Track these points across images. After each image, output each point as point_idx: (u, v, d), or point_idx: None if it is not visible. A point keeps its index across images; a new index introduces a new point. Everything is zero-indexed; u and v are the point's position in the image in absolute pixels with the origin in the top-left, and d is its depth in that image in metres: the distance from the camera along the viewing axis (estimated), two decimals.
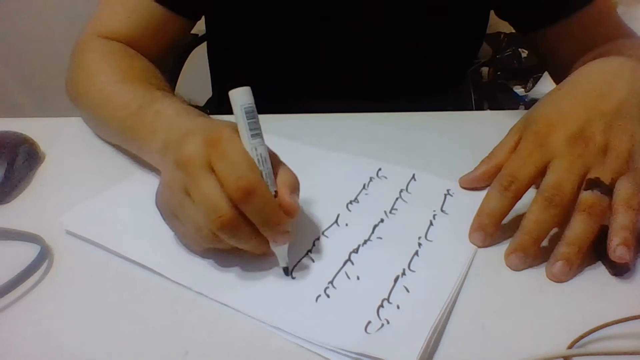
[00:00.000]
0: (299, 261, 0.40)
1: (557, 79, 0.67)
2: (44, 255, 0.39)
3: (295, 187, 0.38)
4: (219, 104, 0.86)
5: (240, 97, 0.37)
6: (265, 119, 0.59)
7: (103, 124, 0.55)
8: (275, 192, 0.37)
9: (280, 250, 0.38)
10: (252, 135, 0.37)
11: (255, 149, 0.37)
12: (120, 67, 0.57)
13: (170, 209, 0.39)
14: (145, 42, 0.62)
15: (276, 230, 0.36)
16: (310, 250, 0.41)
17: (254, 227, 0.36)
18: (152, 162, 0.48)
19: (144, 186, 0.48)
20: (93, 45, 0.61)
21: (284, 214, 0.37)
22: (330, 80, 0.69)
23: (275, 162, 0.39)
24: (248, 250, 0.38)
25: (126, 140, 0.52)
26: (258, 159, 0.36)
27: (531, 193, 0.41)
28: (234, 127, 0.37)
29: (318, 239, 0.42)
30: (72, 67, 0.61)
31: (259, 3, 0.65)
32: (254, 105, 0.37)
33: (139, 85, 0.53)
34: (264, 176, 0.36)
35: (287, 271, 0.39)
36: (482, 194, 0.43)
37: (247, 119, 0.37)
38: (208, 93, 0.93)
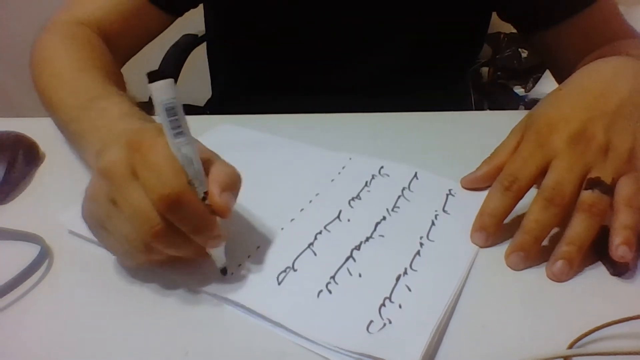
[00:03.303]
0: (301, 253, 0.40)
1: (560, 79, 0.67)
2: (44, 255, 0.39)
3: (228, 184, 0.35)
4: (218, 105, 0.86)
5: (160, 92, 0.32)
6: (266, 119, 0.60)
7: (53, 111, 0.52)
8: (206, 193, 0.34)
9: (216, 252, 0.36)
10: (175, 135, 0.33)
11: (180, 150, 0.33)
12: (79, 55, 0.55)
13: (97, 221, 0.35)
14: (120, 28, 0.62)
15: (206, 236, 0.34)
16: (311, 244, 0.41)
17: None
18: (89, 163, 0.45)
19: None
20: (56, 28, 0.60)
21: (213, 217, 0.34)
22: (331, 80, 0.69)
23: (208, 159, 0.35)
24: (184, 256, 0.36)
25: (70, 133, 0.49)
26: (183, 161, 0.33)
27: (532, 193, 0.41)
28: (161, 129, 0.33)
29: (320, 232, 0.42)
30: (33, 48, 0.59)
31: (259, 1, 0.65)
32: (176, 101, 0.32)
33: (97, 76, 0.51)
34: (192, 178, 0.33)
35: (225, 271, 0.37)
36: (484, 194, 0.43)
37: (168, 117, 0.32)
38: (208, 93, 0.93)
